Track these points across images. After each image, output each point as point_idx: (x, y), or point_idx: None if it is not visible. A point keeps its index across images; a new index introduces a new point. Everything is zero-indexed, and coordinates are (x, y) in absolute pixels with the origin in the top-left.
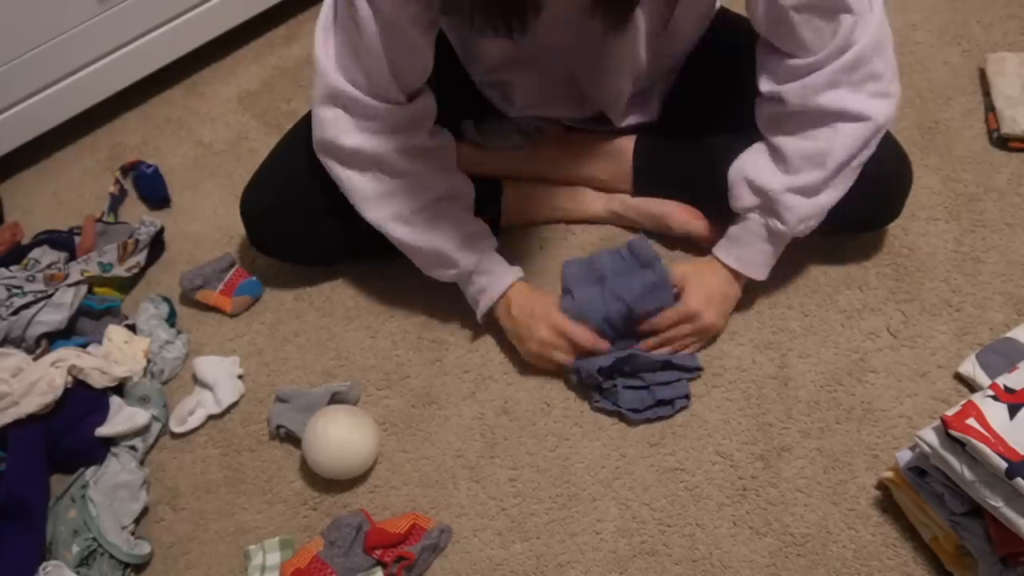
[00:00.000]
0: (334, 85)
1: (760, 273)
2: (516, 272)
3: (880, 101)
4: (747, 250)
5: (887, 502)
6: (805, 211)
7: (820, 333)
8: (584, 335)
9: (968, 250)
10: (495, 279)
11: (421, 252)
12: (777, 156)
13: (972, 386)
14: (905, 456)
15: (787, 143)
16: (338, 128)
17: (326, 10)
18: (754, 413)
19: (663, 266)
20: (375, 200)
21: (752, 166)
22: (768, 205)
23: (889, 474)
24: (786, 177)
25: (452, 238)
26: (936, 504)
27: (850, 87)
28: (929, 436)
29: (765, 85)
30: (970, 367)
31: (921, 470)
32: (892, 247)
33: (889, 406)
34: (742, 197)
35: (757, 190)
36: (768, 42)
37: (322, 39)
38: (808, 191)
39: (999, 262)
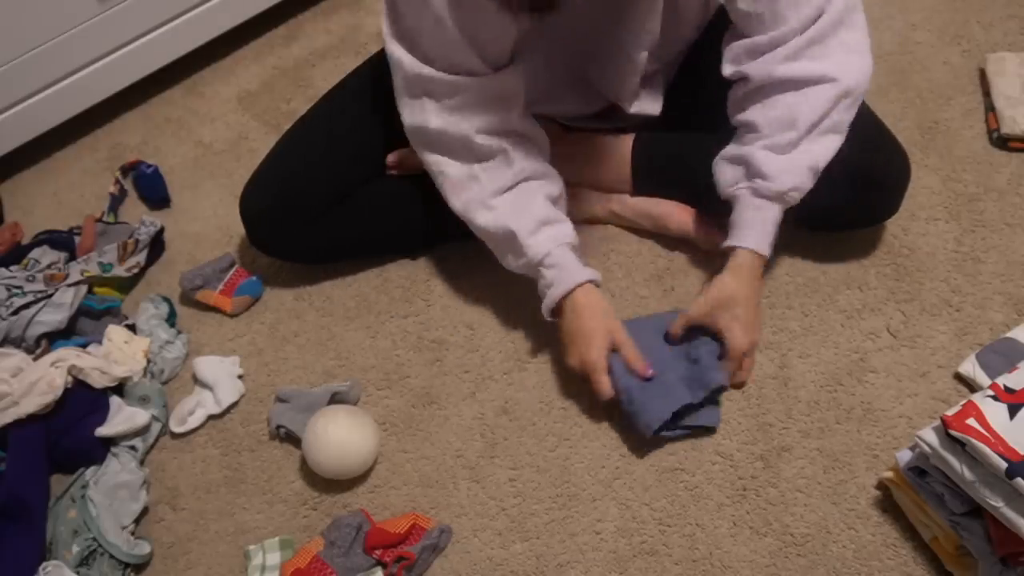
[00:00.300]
0: (411, 71)
1: (765, 247)
2: (589, 273)
3: (846, 65)
4: (749, 230)
5: (887, 502)
6: (782, 165)
7: (820, 333)
8: (639, 360)
9: (968, 250)
10: (564, 274)
11: (496, 238)
12: (748, 129)
13: (972, 386)
14: (905, 456)
15: (755, 113)
16: (424, 112)
17: (386, 7)
18: (754, 413)
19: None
20: (461, 184)
21: (727, 149)
22: (748, 169)
23: (889, 474)
24: (758, 139)
25: (527, 224)
26: (936, 504)
27: (810, 59)
28: (929, 436)
29: (728, 69)
30: (970, 367)
31: (921, 470)
32: (892, 247)
33: (889, 406)
34: (724, 174)
35: (733, 159)
36: (734, 29)
37: (389, 32)
38: (782, 148)
39: (999, 262)
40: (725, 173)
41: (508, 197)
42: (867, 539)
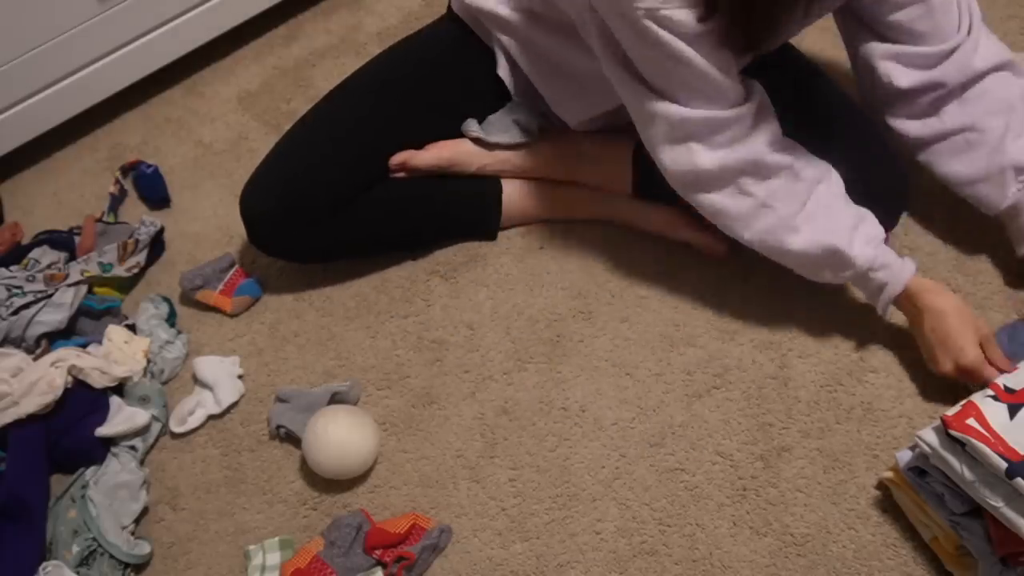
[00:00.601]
0: (672, 116)
1: None
2: (910, 265)
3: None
4: None
5: (887, 502)
6: None
7: (820, 333)
8: (1000, 354)
9: (968, 250)
10: (894, 273)
11: (814, 257)
12: (965, 132)
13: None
14: (905, 456)
15: (958, 115)
16: (692, 156)
17: (614, 67)
18: (754, 413)
19: None
20: (751, 215)
21: (957, 171)
22: (1015, 168)
23: (889, 474)
24: (994, 134)
25: (844, 234)
26: (936, 504)
27: (986, 45)
28: (929, 436)
29: (908, 79)
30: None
31: (921, 470)
32: (892, 247)
33: (889, 406)
34: (988, 191)
35: (983, 175)
36: (878, 40)
37: (631, 89)
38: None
39: (999, 262)
40: (987, 190)
41: (810, 211)
42: (867, 539)
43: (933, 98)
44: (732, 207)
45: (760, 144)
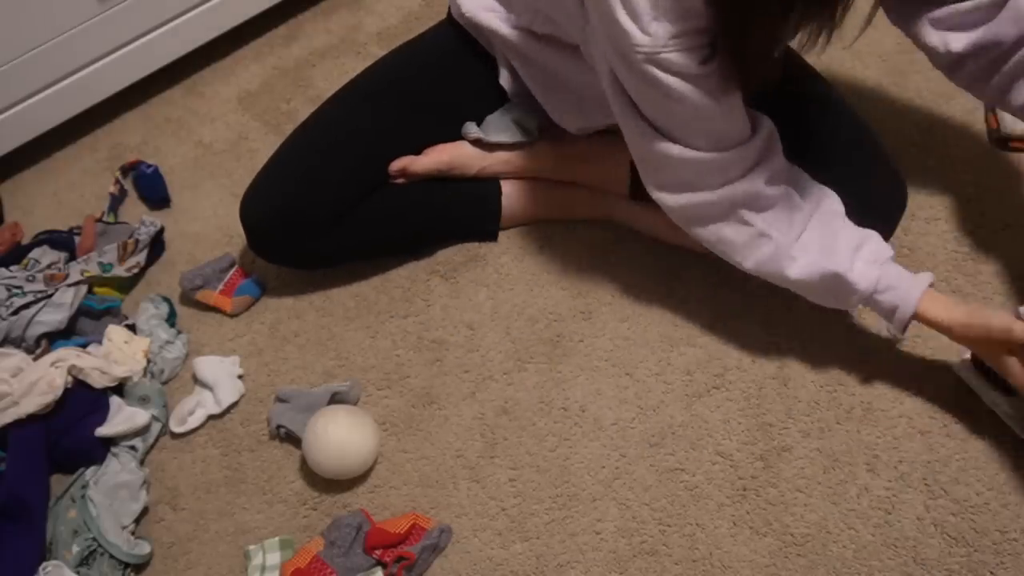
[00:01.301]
0: (672, 156)
1: None
2: (922, 282)
3: None
4: None
5: (888, 501)
6: None
7: (820, 333)
8: None
9: (968, 250)
10: (901, 295)
11: (816, 284)
12: None
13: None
14: None
15: None
16: (693, 190)
17: (617, 98)
18: (754, 413)
19: None
20: (752, 245)
21: None
22: None
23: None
24: None
25: (844, 254)
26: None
27: None
28: (963, 371)
29: (960, 42)
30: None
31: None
32: (892, 247)
33: (889, 406)
34: None
35: None
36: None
37: (633, 124)
38: None
39: (999, 262)
40: None
41: (807, 239)
42: (867, 539)
43: (996, 55)
44: (731, 237)
45: (761, 179)
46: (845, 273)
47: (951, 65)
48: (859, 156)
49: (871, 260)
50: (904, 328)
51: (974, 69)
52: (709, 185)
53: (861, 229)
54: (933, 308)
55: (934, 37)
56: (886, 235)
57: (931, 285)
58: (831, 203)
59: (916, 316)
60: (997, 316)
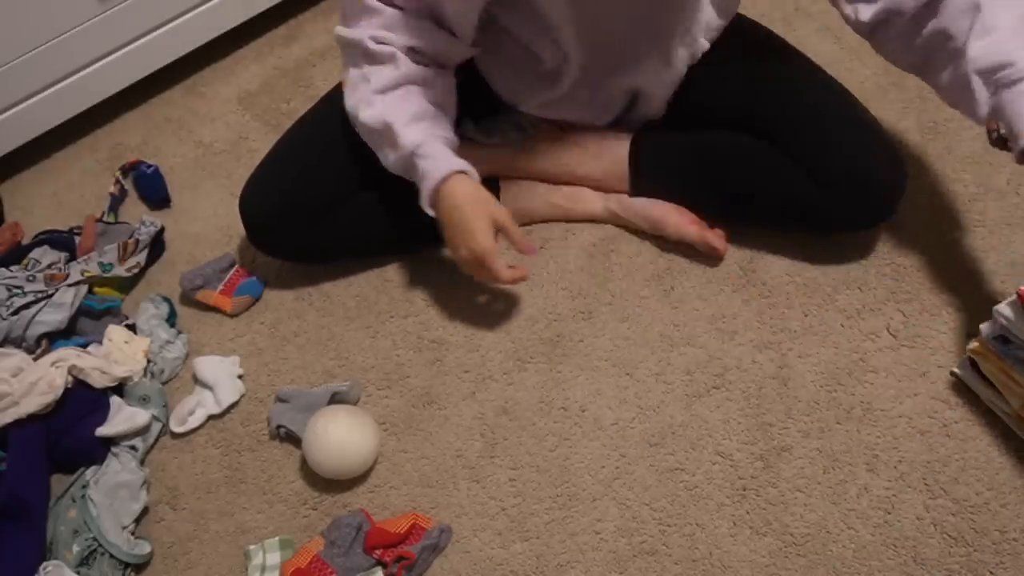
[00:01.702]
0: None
1: None
2: (462, 163)
3: None
4: None
5: (888, 501)
6: (1017, 40)
7: (820, 333)
8: (522, 235)
9: (968, 250)
10: (436, 164)
11: (376, 132)
12: (945, 43)
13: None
14: (987, 329)
15: (937, 31)
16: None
17: None
18: (754, 413)
19: None
20: (354, 85)
21: (948, 79)
22: (995, 73)
23: (975, 344)
24: (966, 41)
25: (403, 114)
26: (1021, 368)
27: None
28: (1005, 310)
29: (869, 11)
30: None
31: (1005, 339)
32: (892, 247)
33: (889, 406)
34: (977, 94)
35: (968, 79)
36: None
37: None
38: (990, 28)
39: (999, 262)
40: (978, 92)
41: (392, 94)
42: (867, 539)
43: (903, 26)
44: (349, 75)
45: (405, 41)
46: (398, 128)
47: (868, 36)
48: (856, 134)
49: (425, 129)
50: (427, 199)
51: (887, 40)
52: (367, 26)
53: (440, 115)
54: (460, 186)
55: (847, 8)
56: (884, 216)
57: (465, 172)
58: (432, 90)
59: (442, 188)
60: (485, 233)
